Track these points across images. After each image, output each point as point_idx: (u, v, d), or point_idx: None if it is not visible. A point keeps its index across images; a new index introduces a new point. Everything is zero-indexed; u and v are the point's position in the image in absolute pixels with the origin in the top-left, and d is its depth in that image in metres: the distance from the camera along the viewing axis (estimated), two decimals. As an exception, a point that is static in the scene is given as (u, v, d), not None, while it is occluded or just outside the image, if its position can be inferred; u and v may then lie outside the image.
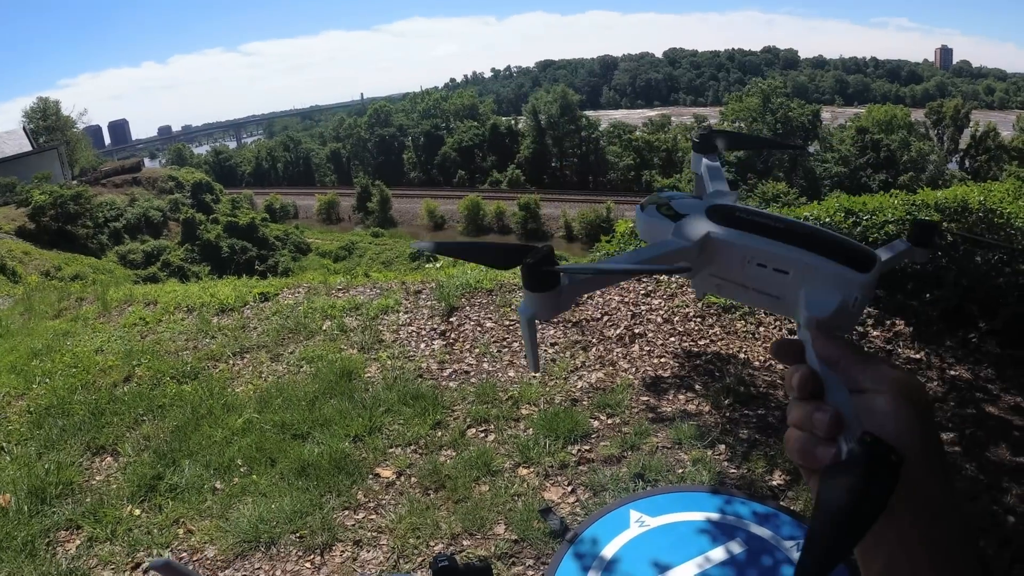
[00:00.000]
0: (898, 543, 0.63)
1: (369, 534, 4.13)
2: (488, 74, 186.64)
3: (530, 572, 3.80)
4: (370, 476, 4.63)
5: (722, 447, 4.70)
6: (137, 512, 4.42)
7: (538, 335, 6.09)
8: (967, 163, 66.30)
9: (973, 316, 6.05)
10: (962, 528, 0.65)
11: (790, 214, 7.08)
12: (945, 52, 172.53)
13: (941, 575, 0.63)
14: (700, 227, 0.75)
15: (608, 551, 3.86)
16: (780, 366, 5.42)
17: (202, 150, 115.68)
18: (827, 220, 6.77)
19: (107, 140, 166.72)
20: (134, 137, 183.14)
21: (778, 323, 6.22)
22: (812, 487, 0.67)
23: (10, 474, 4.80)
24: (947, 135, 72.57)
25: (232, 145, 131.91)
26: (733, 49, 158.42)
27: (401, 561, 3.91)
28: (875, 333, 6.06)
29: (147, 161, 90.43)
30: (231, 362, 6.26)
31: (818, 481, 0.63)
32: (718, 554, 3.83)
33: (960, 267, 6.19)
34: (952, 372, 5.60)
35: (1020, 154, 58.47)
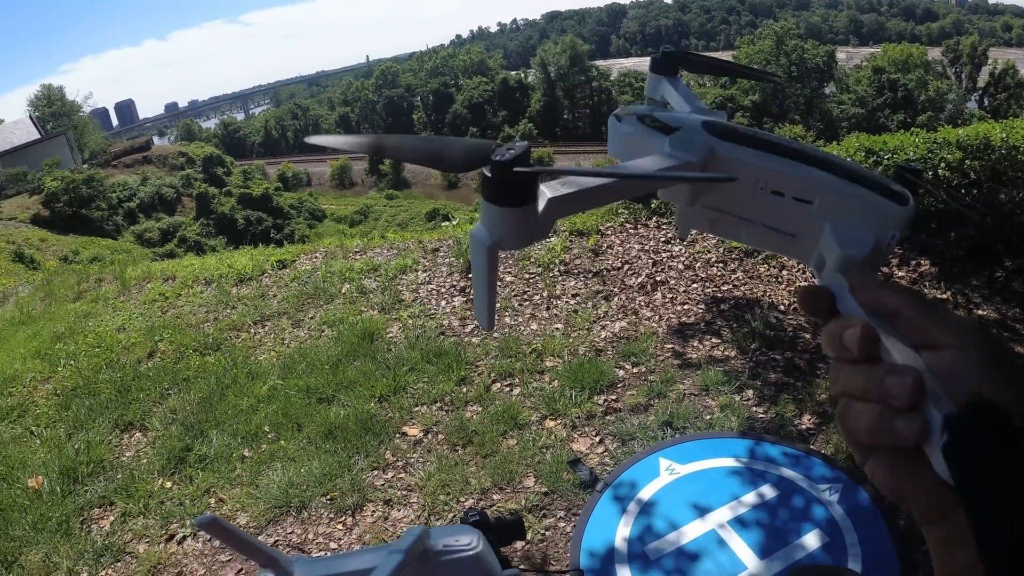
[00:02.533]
0: None
1: (399, 493, 4.13)
2: (494, 28, 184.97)
3: (561, 523, 3.80)
4: (397, 435, 4.63)
5: (750, 392, 4.66)
6: (168, 485, 4.46)
7: (558, 286, 6.09)
8: (986, 101, 65.11)
9: (999, 254, 5.93)
10: None
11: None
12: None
13: None
14: (701, 143, 0.59)
15: (640, 499, 3.85)
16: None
17: (210, 124, 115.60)
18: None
19: (115, 122, 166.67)
20: (141, 116, 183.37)
21: (801, 266, 6.13)
22: (879, 473, 0.53)
23: (41, 456, 4.83)
24: (965, 73, 71.27)
25: (240, 117, 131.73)
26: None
27: (432, 518, 3.92)
28: (900, 273, 5.96)
29: (156, 139, 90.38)
30: (252, 331, 6.26)
31: (905, 466, 0.51)
32: (750, 498, 3.82)
33: (985, 204, 6.06)
34: (979, 312, 5.50)
35: (1041, 90, 57.44)
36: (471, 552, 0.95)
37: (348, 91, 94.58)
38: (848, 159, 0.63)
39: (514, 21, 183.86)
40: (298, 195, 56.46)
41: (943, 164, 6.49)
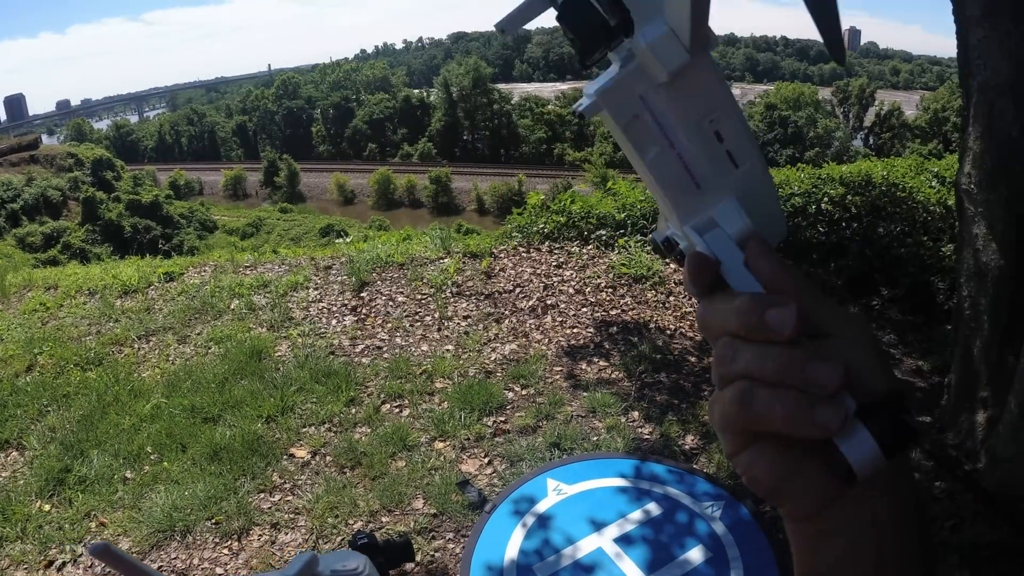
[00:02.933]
0: (871, 524, 0.50)
1: (286, 516, 4.06)
2: (400, 45, 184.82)
3: (451, 545, 3.81)
4: (284, 457, 4.55)
5: (636, 413, 4.79)
6: (47, 507, 4.23)
7: (450, 307, 6.12)
8: (871, 140, 69.30)
9: (876, 284, 6.31)
10: (915, 495, 0.52)
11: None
12: (853, 33, 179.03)
13: (903, 554, 0.51)
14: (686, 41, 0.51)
15: (528, 520, 3.90)
16: (697, 336, 5.53)
17: (102, 125, 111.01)
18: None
19: (2, 116, 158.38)
20: (31, 112, 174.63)
21: (687, 293, 6.34)
22: (759, 466, 0.51)
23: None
24: (853, 113, 75.63)
25: (134, 119, 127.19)
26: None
27: (320, 541, 3.87)
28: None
29: (45, 138, 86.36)
30: (136, 346, 6.04)
31: (791, 458, 0.49)
32: (636, 516, 3.93)
33: (864, 237, 6.44)
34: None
35: (922, 132, 61.43)
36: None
37: (247, 99, 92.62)
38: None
39: (420, 39, 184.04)
40: (189, 204, 54.94)
41: (826, 198, 6.86)
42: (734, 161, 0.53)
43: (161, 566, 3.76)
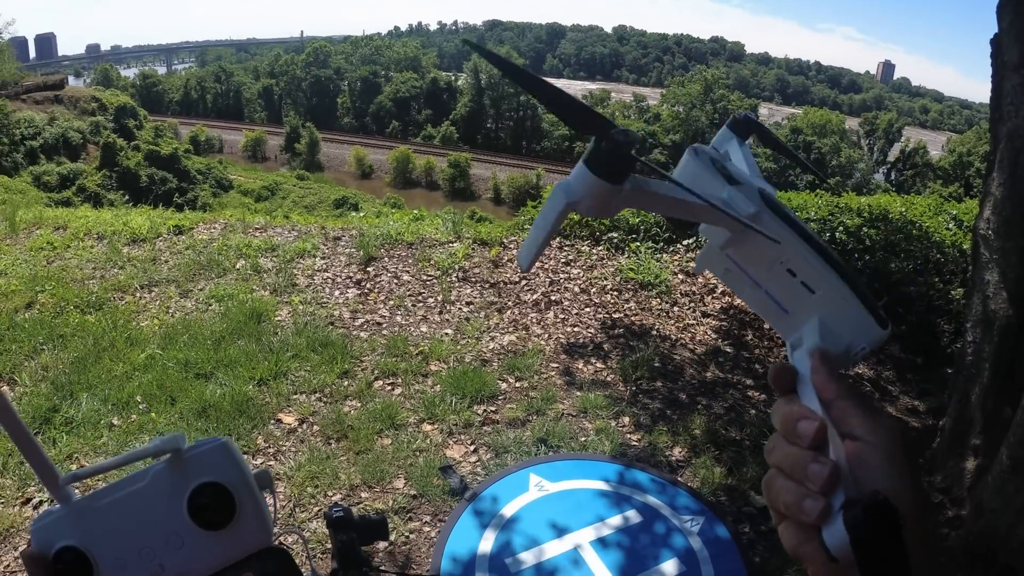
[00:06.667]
0: None
1: (266, 480, 4.05)
2: (434, 26, 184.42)
3: (427, 528, 3.80)
4: (272, 421, 4.54)
5: (627, 419, 4.78)
6: (31, 445, 4.23)
7: (454, 292, 6.10)
8: (893, 175, 69.06)
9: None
10: None
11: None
12: (887, 67, 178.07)
13: None
14: (752, 203, 0.67)
15: (506, 512, 3.89)
16: (697, 349, 5.51)
17: (130, 73, 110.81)
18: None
19: (32, 54, 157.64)
20: (60, 53, 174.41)
21: (692, 305, 6.33)
22: (786, 535, 0.62)
23: None
24: (878, 146, 75.37)
25: (162, 70, 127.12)
26: (681, 34, 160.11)
27: (297, 509, 3.86)
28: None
29: (72, 79, 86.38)
30: (138, 295, 6.04)
31: (806, 535, 0.59)
32: (614, 521, 3.91)
33: (876, 271, 6.40)
34: (856, 370, 5.80)
35: (945, 174, 61.13)
36: (219, 442, 1.00)
37: (276, 63, 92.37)
38: (854, 269, 0.72)
39: (455, 22, 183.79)
40: (207, 161, 54.88)
41: (841, 228, 6.82)
42: (809, 289, 0.66)
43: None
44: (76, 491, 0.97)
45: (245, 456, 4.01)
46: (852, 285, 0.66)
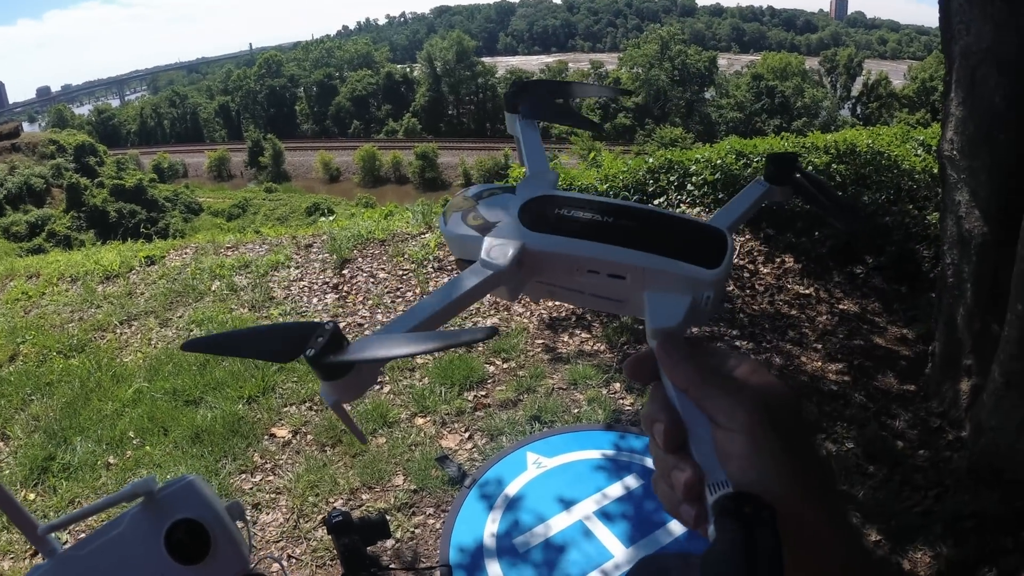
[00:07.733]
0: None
1: (267, 496, 4.04)
2: (383, 21, 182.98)
3: (431, 520, 3.80)
4: (265, 437, 4.53)
5: (617, 385, 4.78)
6: (32, 496, 4.20)
7: (431, 282, 6.07)
8: (859, 110, 69.27)
9: (860, 253, 6.29)
10: (855, 546, 0.58)
11: (683, 158, 7.20)
12: (840, 2, 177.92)
13: None
14: (513, 238, 0.65)
15: (508, 493, 3.90)
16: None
17: (84, 110, 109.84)
18: (719, 162, 6.90)
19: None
20: (11, 100, 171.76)
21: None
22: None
23: None
24: (840, 83, 75.60)
25: (116, 103, 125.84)
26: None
27: (301, 520, 3.85)
28: (765, 270, 6.23)
29: (26, 125, 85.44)
30: (118, 331, 5.99)
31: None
32: (615, 489, 3.92)
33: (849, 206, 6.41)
34: (841, 306, 5.83)
35: (910, 102, 61.40)
36: (187, 480, 1.03)
37: (229, 79, 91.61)
38: (674, 214, 0.68)
39: (403, 14, 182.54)
40: (174, 187, 54.60)
41: (811, 167, 6.84)
42: (618, 276, 0.64)
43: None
44: (59, 538, 0.99)
45: (243, 475, 4.04)
46: (656, 246, 0.63)
